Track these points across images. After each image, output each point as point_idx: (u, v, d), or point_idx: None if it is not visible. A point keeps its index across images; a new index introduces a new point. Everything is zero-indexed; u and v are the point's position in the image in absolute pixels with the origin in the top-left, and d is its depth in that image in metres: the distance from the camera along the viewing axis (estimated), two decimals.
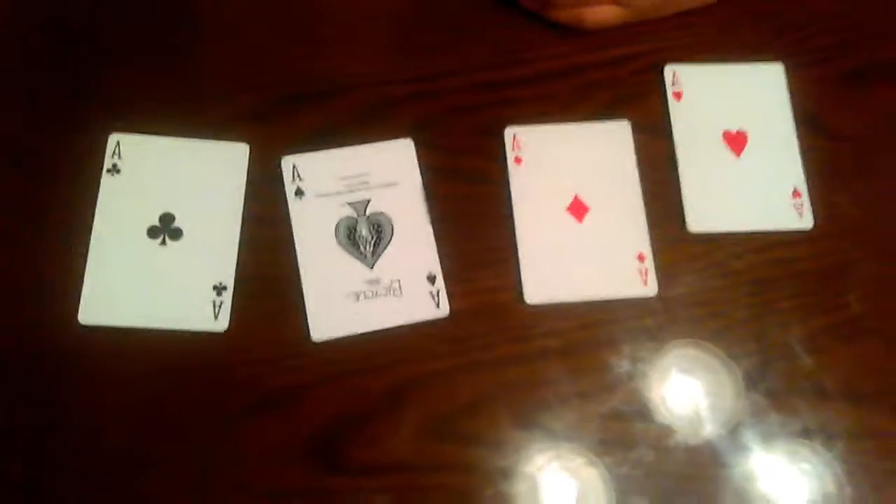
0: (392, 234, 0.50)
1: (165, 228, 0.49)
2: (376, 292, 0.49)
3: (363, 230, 0.50)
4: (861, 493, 0.48)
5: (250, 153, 0.51)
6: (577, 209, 0.52)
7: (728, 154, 0.54)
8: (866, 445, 0.49)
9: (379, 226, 0.50)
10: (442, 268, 0.50)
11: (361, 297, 0.49)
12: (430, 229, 0.51)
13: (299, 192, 0.51)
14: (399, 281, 0.49)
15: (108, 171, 0.50)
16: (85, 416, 0.47)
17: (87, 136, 0.51)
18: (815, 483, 0.48)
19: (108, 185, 0.50)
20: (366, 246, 0.50)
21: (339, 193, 0.51)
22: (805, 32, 0.58)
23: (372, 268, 0.50)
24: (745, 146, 0.54)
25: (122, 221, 0.49)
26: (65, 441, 0.47)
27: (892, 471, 0.48)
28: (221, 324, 0.48)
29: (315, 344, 0.48)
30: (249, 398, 0.48)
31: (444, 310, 0.49)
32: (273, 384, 0.48)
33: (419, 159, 0.52)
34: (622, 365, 0.50)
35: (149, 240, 0.49)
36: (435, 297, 0.49)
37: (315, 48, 0.55)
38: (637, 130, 0.54)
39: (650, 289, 0.51)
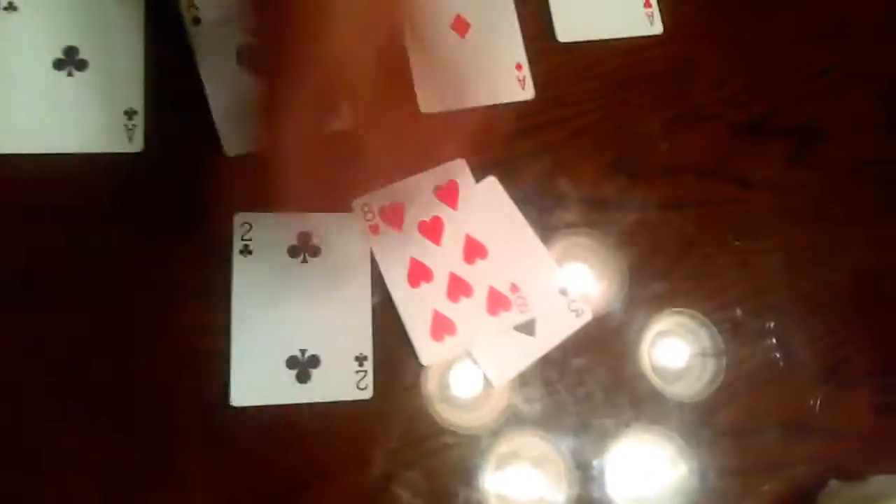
0: None
1: (71, 60, 0.51)
2: None
3: None
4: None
5: None
6: (460, 26, 0.57)
7: None
8: (710, 211, 0.58)
9: None
10: None
11: None
12: None
13: (196, 21, 0.53)
14: None
15: (5, 9, 0.51)
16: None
17: None
18: None
19: (4, 22, 0.51)
20: None
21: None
22: None
23: None
24: None
25: (26, 57, 0.51)
26: None
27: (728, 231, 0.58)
28: (136, 145, 0.51)
29: None
30: (170, 215, 0.51)
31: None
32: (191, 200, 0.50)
33: None
34: None
35: (56, 72, 0.51)
36: None
37: None
38: None
39: (528, 93, 0.57)
